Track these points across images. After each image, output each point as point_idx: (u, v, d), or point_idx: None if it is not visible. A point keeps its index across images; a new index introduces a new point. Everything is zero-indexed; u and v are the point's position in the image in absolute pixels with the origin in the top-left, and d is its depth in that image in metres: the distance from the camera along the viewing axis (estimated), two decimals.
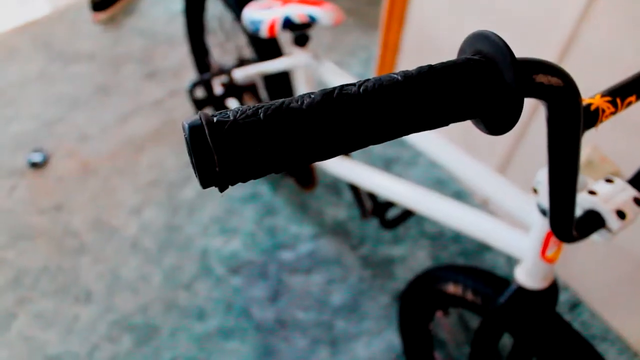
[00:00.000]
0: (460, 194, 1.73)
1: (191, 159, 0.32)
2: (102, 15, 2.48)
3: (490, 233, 0.89)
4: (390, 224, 1.41)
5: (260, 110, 0.32)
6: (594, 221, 0.65)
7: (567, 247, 1.54)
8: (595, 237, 0.67)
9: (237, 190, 1.76)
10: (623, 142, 1.18)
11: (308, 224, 1.67)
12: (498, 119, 0.37)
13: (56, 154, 1.94)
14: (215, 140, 0.31)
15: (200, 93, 1.45)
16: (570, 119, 0.43)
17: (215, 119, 0.32)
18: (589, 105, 0.48)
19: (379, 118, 0.34)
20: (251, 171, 0.33)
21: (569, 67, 1.18)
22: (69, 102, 2.14)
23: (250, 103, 1.57)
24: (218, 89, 1.43)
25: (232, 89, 1.40)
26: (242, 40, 1.54)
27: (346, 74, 1.16)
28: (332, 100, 0.33)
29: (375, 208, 1.40)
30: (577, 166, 0.50)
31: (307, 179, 1.47)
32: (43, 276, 1.60)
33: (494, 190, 0.93)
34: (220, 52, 1.81)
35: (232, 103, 1.52)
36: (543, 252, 0.79)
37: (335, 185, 1.76)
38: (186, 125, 0.31)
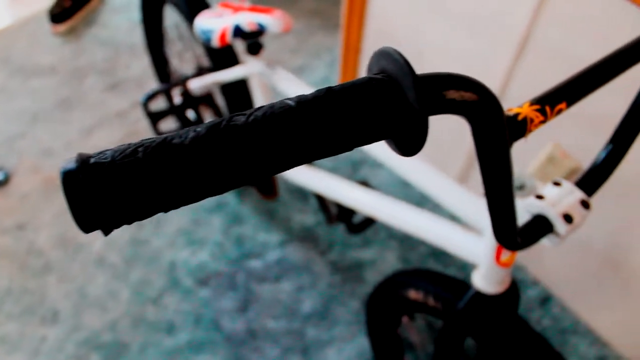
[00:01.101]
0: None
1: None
2: (62, 26, 2.43)
3: (447, 239, 0.89)
4: (356, 229, 1.40)
5: (140, 149, 0.30)
6: (542, 226, 0.64)
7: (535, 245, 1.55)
8: (545, 242, 0.67)
9: (203, 200, 1.73)
10: (586, 137, 1.18)
11: (276, 231, 1.66)
12: (406, 141, 0.36)
13: (19, 171, 1.90)
14: (90, 184, 0.29)
15: (162, 104, 1.42)
16: (493, 132, 0.42)
17: (91, 161, 0.30)
18: (517, 115, 0.47)
19: (272, 149, 0.32)
20: (134, 213, 0.31)
21: (527, 65, 1.18)
22: (30, 116, 2.10)
23: (206, 113, 1.55)
24: (177, 99, 1.41)
25: (189, 99, 1.37)
26: (201, 50, 1.52)
27: (300, 82, 1.15)
28: (219, 133, 0.31)
29: (341, 213, 1.39)
30: (510, 176, 0.49)
31: (268, 188, 1.45)
32: (7, 298, 1.56)
33: (447, 196, 0.92)
34: (183, 62, 1.78)
35: (191, 114, 1.50)
36: (497, 257, 0.79)
37: (302, 191, 1.75)
38: (61, 169, 0.29)
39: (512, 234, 0.57)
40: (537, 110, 0.47)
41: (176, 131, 0.32)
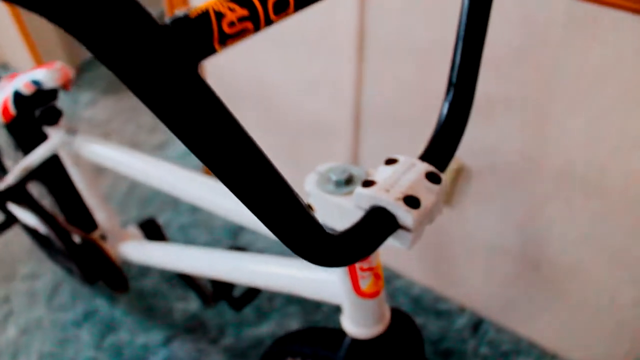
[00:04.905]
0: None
1: None
2: None
3: (300, 283, 0.69)
4: (240, 303, 1.19)
5: None
6: (381, 222, 0.44)
7: (450, 266, 1.38)
8: (394, 243, 0.47)
9: (67, 314, 1.45)
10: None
11: (157, 328, 1.40)
12: None
13: None
14: None
15: None
16: None
17: None
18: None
19: None
20: None
21: (373, 66, 1.03)
22: None
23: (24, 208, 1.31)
24: None
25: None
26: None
27: (106, 142, 0.95)
28: None
29: (217, 290, 1.17)
30: (258, 155, 0.30)
31: (116, 282, 1.20)
32: None
33: None
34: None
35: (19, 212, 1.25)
36: (356, 287, 0.59)
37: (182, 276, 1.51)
38: None
39: (319, 242, 0.38)
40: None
41: None
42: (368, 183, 0.47)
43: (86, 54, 2.56)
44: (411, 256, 1.43)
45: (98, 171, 1.88)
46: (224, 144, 0.28)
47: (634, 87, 0.79)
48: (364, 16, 1.01)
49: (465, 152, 1.07)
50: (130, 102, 2.28)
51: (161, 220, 1.68)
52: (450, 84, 0.51)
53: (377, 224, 0.44)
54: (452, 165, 1.10)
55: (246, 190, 0.31)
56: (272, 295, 1.42)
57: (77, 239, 1.12)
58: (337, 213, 0.50)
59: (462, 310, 1.40)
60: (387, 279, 1.47)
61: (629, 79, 0.79)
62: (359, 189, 0.46)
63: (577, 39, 0.80)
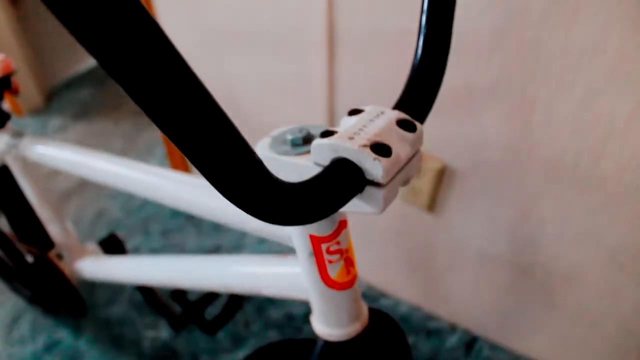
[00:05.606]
0: None
1: None
2: None
3: (264, 280, 0.60)
4: (213, 327, 1.09)
5: None
6: (346, 174, 0.36)
7: (438, 280, 1.29)
8: (363, 208, 0.39)
9: (26, 347, 1.34)
10: (442, 131, 0.97)
11: (125, 359, 1.29)
12: None
13: None
14: None
15: None
16: None
17: None
18: None
19: None
20: None
21: (343, 64, 0.95)
22: None
23: None
24: None
25: None
26: None
27: (53, 142, 0.87)
28: None
29: (187, 311, 1.07)
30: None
31: (72, 304, 1.10)
32: None
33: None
34: None
35: None
36: (324, 275, 0.50)
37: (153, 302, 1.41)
38: None
39: (265, 189, 0.30)
40: None
41: None
42: (328, 133, 0.39)
43: (55, 81, 2.49)
44: (396, 272, 1.34)
45: (64, 196, 1.79)
46: (134, 41, 0.23)
47: (622, 65, 0.72)
48: (332, 13, 0.95)
49: (448, 150, 1.01)
50: (101, 127, 2.22)
51: (131, 244, 1.58)
52: (420, 24, 0.45)
53: (339, 176, 0.36)
54: (434, 165, 1.03)
55: (163, 106, 0.25)
56: (249, 320, 1.32)
57: (30, 258, 1.02)
58: (294, 176, 0.42)
59: (453, 328, 1.31)
60: (372, 298, 1.38)
61: (615, 57, 0.72)
62: (317, 140, 0.38)
63: (557, 16, 0.74)
